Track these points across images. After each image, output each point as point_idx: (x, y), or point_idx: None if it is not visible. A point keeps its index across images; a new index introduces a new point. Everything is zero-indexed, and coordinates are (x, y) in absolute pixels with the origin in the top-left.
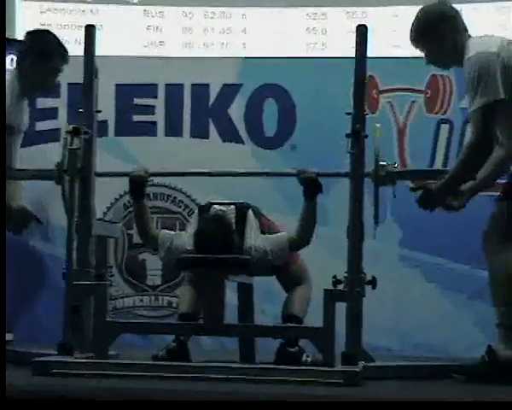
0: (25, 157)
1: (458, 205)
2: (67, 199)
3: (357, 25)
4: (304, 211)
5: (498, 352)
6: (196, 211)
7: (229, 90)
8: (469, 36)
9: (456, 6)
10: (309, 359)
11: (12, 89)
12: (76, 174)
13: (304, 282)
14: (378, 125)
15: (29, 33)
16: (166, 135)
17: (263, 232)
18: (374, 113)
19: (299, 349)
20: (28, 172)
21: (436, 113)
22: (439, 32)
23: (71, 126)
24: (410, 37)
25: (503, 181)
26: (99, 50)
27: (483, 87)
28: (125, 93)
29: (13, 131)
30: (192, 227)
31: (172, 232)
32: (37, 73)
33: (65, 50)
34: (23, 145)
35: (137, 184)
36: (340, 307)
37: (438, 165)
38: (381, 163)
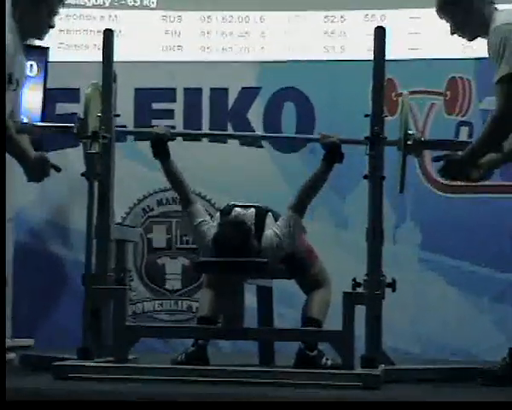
0: None
1: (479, 177)
2: (89, 158)
3: (375, 27)
4: (314, 176)
5: None
6: (217, 214)
7: (248, 94)
8: (495, 8)
9: None
10: (328, 362)
11: (13, 34)
12: (95, 178)
13: (323, 285)
14: (406, 92)
15: None
16: (185, 139)
17: None
18: (393, 115)
19: (319, 353)
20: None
21: (456, 115)
22: (465, 1)
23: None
24: (436, 6)
25: None
26: (117, 55)
27: (507, 57)
28: (144, 98)
29: (14, 81)
30: (213, 230)
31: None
32: (33, 16)
33: None
34: (46, 151)
35: (159, 143)
36: (360, 310)
37: None
38: (409, 132)
